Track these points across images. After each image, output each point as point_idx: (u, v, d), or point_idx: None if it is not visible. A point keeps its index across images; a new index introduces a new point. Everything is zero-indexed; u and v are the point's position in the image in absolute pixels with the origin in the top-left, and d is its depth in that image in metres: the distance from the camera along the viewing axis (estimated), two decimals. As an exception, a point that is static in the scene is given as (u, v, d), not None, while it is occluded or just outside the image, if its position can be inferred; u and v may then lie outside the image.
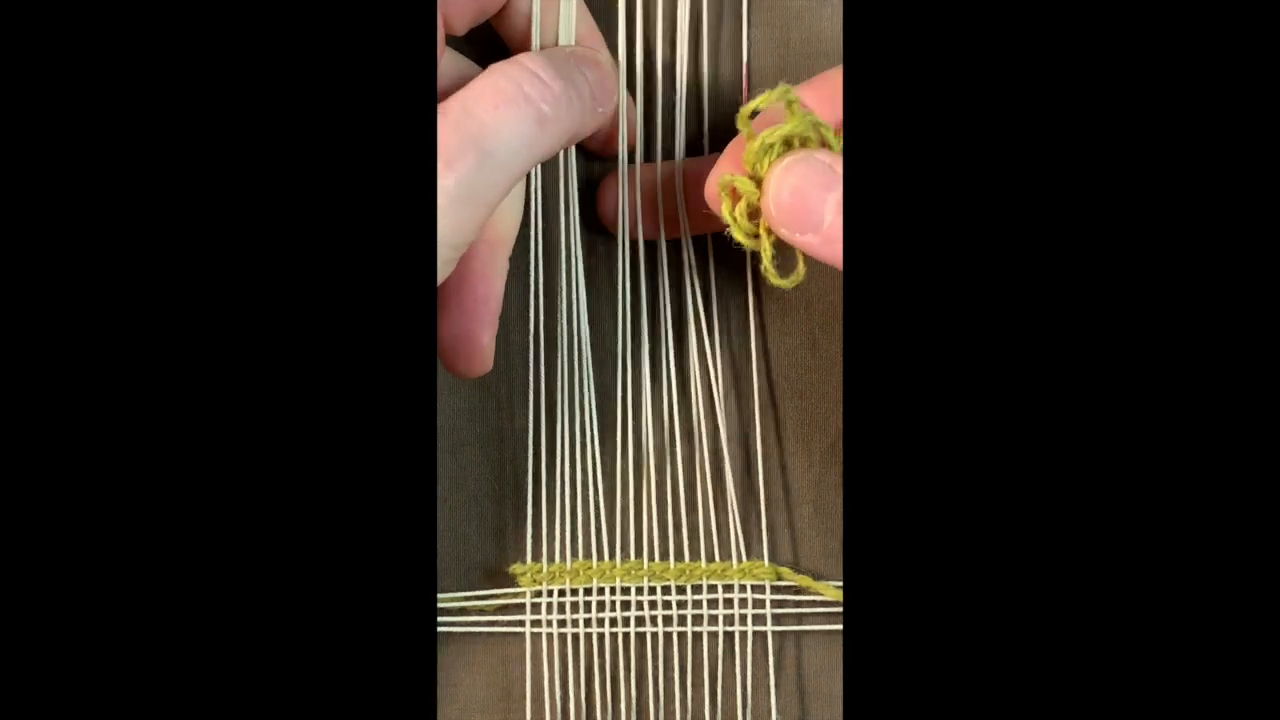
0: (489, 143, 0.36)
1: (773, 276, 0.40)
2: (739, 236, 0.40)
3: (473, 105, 0.36)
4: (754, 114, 0.38)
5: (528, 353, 0.44)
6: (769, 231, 0.39)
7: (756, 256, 0.40)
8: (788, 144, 0.38)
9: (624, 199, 0.43)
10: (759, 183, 0.38)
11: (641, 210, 0.43)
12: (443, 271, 0.37)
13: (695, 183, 0.42)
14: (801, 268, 0.40)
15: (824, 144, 0.38)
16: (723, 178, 0.39)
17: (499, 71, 0.37)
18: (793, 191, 0.37)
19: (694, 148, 0.44)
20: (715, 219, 0.40)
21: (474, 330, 0.40)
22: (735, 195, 0.39)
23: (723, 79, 0.44)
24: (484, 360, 0.41)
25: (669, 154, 0.44)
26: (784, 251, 0.39)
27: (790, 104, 0.38)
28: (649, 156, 0.44)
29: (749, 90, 0.44)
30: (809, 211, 0.37)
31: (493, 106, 0.37)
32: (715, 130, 0.44)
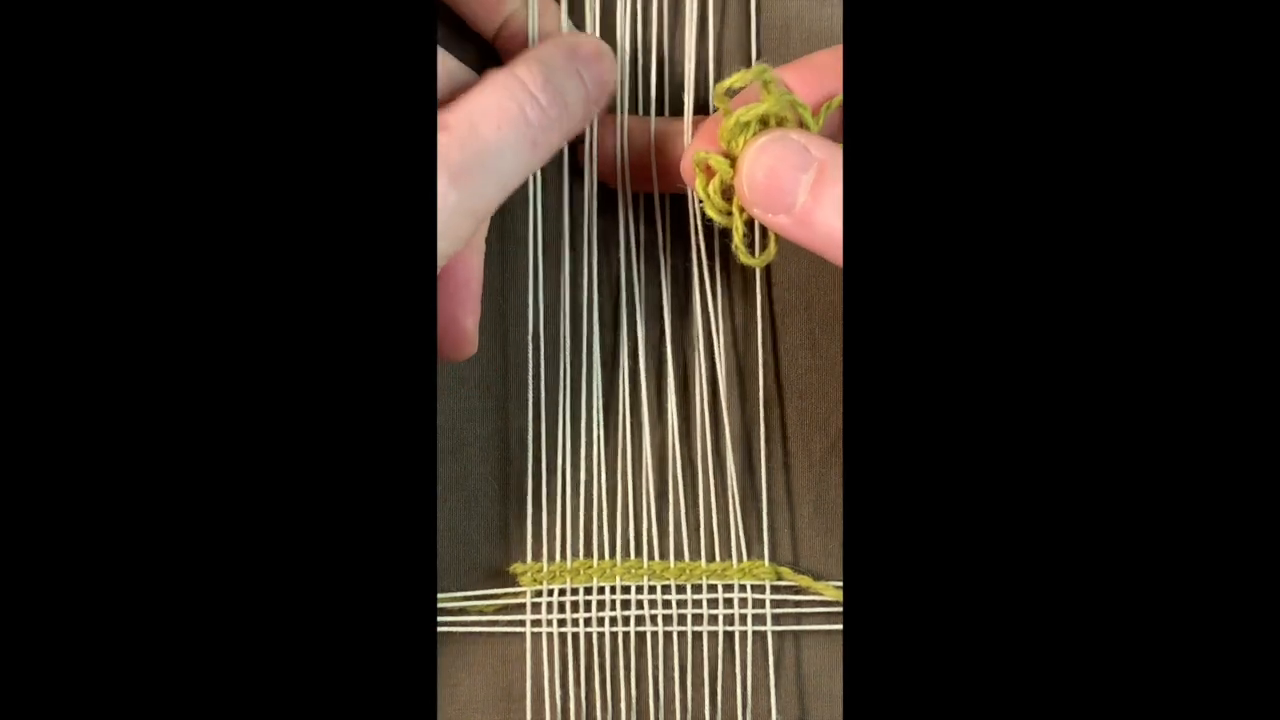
0: (492, 161, 0.37)
1: (743, 255, 0.40)
2: (711, 213, 0.40)
3: (478, 123, 0.37)
4: (731, 92, 0.38)
5: (528, 353, 0.44)
6: (741, 209, 0.39)
7: (730, 234, 0.40)
8: (764, 123, 0.38)
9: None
10: (733, 161, 0.39)
11: (631, 163, 0.43)
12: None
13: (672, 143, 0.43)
14: (773, 247, 0.40)
15: (801, 124, 0.39)
16: (697, 154, 0.39)
17: (502, 88, 0.38)
18: (767, 171, 0.38)
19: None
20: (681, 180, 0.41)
21: (458, 314, 0.40)
22: (709, 172, 0.39)
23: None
24: (469, 343, 0.41)
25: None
26: (755, 230, 0.40)
27: (766, 83, 0.38)
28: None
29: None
30: (782, 192, 0.37)
31: (496, 126, 0.37)
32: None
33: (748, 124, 0.38)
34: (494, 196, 0.38)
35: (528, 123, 0.38)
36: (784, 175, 0.37)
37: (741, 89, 0.39)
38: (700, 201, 0.40)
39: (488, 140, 0.37)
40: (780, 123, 0.38)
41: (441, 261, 0.37)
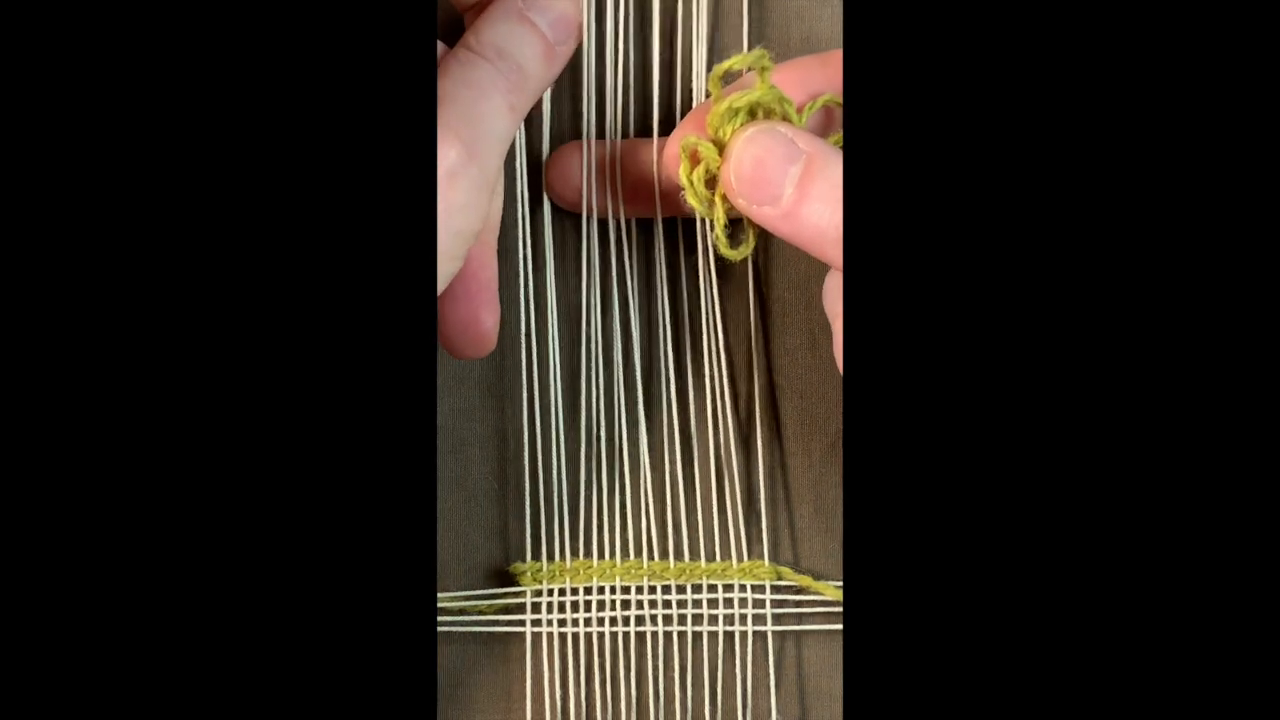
0: (492, 131, 0.37)
1: (723, 246, 0.40)
2: (692, 201, 0.40)
3: (475, 97, 0.37)
4: (728, 77, 0.38)
5: (525, 351, 0.44)
6: (724, 199, 0.39)
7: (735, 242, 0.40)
8: (752, 113, 0.38)
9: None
10: (721, 149, 0.39)
11: (598, 185, 0.43)
12: (458, 265, 0.38)
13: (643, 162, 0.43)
14: (751, 240, 0.40)
15: (785, 119, 0.39)
16: (684, 139, 0.39)
17: (470, 64, 0.38)
18: (754, 162, 0.38)
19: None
20: (675, 203, 0.41)
21: (479, 314, 0.41)
22: (695, 159, 0.39)
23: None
24: (490, 342, 0.41)
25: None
26: (735, 223, 0.40)
27: (763, 70, 0.38)
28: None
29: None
30: (769, 183, 0.37)
31: (484, 96, 0.37)
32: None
33: (738, 111, 0.38)
34: (499, 167, 0.38)
35: (498, 89, 0.38)
36: (771, 167, 0.37)
37: (738, 73, 0.38)
38: (682, 190, 0.40)
39: (483, 111, 0.37)
40: (768, 114, 0.38)
41: (471, 240, 0.37)
